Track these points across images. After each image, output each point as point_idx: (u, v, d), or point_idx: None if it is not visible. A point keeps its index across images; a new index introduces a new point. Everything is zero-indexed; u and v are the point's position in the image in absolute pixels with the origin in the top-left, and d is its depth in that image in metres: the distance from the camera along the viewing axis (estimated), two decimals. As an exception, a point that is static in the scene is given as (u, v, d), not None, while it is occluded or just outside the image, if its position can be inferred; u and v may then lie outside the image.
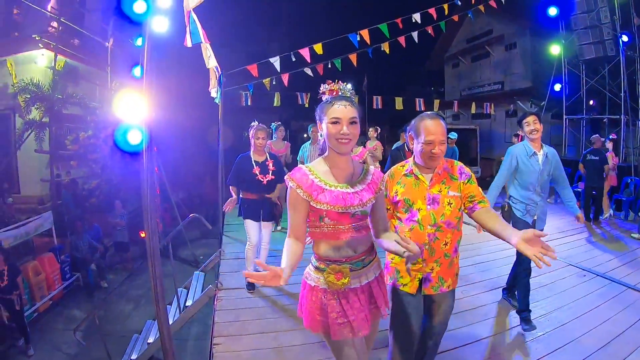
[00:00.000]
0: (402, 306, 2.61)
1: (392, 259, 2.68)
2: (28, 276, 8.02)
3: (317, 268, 2.10)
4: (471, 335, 3.76)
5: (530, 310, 3.96)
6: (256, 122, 4.85)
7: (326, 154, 2.11)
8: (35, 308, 8.01)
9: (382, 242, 2.21)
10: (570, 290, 4.84)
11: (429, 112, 2.59)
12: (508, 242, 2.19)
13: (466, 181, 2.55)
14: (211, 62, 5.06)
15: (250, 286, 4.85)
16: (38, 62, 11.56)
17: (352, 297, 2.07)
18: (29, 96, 10.79)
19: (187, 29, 4.14)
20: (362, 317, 2.07)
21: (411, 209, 2.54)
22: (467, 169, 2.61)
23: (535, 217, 4.11)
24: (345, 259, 2.07)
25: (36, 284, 8.17)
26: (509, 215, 4.18)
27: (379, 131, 8.29)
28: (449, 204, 2.51)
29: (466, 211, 2.57)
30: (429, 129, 2.45)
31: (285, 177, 2.06)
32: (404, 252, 1.96)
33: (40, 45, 11.41)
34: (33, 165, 11.74)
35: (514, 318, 4.13)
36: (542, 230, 3.85)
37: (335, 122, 1.98)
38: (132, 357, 5.32)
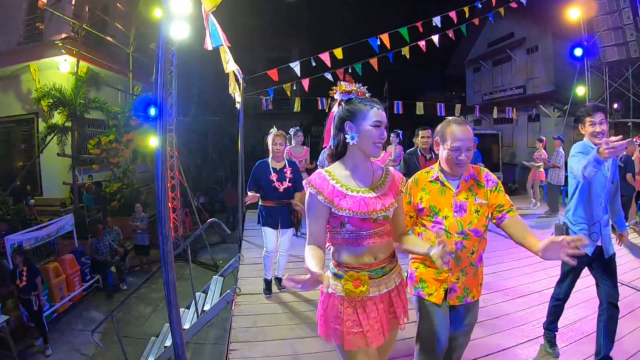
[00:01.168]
0: (429, 317, 2.52)
1: (416, 268, 2.59)
2: (48, 277, 8.18)
3: (335, 275, 2.02)
4: (493, 346, 3.66)
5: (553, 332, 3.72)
6: (275, 129, 4.82)
7: (346, 156, 2.03)
8: (54, 309, 8.14)
9: (404, 245, 2.16)
10: (594, 300, 4.64)
11: (455, 118, 2.51)
12: (535, 251, 2.07)
13: (493, 189, 2.46)
14: (230, 65, 5.05)
15: (268, 291, 4.84)
16: (61, 68, 11.83)
17: (370, 306, 1.98)
18: (51, 101, 11.04)
19: (207, 32, 4.12)
20: (377, 328, 1.98)
21: (437, 217, 2.46)
22: (493, 176, 2.52)
23: (600, 243, 3.37)
24: (365, 266, 1.99)
25: (56, 285, 8.30)
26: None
27: (400, 136, 8.20)
28: (477, 211, 2.43)
29: (494, 221, 2.46)
30: (456, 135, 2.38)
31: (304, 183, 2.00)
32: (433, 251, 1.92)
33: (63, 51, 11.66)
34: (55, 169, 11.99)
35: (537, 328, 4.01)
36: (612, 256, 3.49)
37: (378, 125, 1.93)
38: (149, 360, 5.36)
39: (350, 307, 1.96)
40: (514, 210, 2.40)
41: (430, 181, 2.52)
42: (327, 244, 2.09)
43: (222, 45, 4.52)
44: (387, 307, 2.06)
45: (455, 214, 2.42)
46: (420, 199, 2.51)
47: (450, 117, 2.53)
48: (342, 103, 2.01)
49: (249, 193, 4.82)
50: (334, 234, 2.01)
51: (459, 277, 2.47)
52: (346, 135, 1.97)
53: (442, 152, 2.46)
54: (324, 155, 7.35)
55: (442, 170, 2.52)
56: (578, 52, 13.23)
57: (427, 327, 2.54)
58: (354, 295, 1.92)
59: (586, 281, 5.18)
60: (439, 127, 2.52)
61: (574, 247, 1.83)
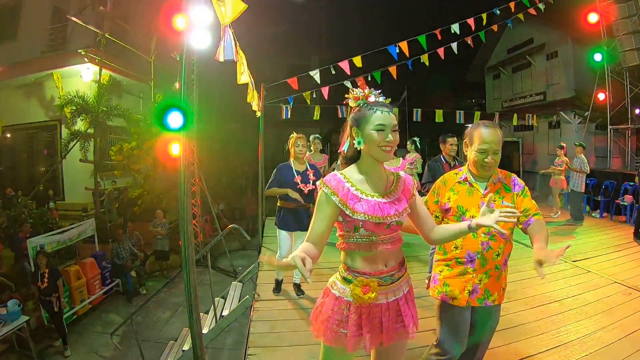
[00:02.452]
0: (451, 319, 2.56)
1: (440, 271, 2.61)
2: (69, 280, 8.34)
3: (344, 279, 2.00)
4: (512, 354, 3.64)
5: None
6: (295, 133, 4.89)
7: (360, 161, 2.04)
8: (74, 311, 8.31)
9: (439, 235, 2.15)
10: (615, 309, 4.63)
11: (485, 121, 2.56)
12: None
13: (520, 193, 2.51)
14: (243, 77, 5.11)
15: (277, 289, 5.06)
16: (83, 76, 12.10)
17: (376, 312, 1.98)
18: (74, 108, 11.28)
19: (222, 43, 4.18)
20: (377, 334, 1.98)
21: (464, 217, 2.48)
22: (520, 181, 2.57)
23: None
24: (375, 273, 1.98)
25: (77, 287, 8.47)
26: None
27: (417, 143, 8.19)
28: None
29: (520, 226, 2.47)
30: (484, 137, 2.43)
31: (318, 183, 2.00)
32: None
33: (85, 59, 11.92)
34: (77, 174, 12.23)
35: (556, 337, 3.97)
36: None
37: (381, 129, 1.91)
38: (168, 363, 5.42)
39: (356, 313, 1.96)
40: (540, 214, 2.45)
41: (459, 182, 2.57)
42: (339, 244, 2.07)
43: (232, 59, 4.58)
44: (395, 315, 2.03)
45: None
46: (448, 199, 2.56)
47: (481, 121, 2.57)
48: (353, 110, 2.02)
49: (270, 191, 4.83)
50: (346, 238, 2.00)
51: (482, 278, 2.49)
52: (354, 141, 1.99)
53: (470, 154, 2.51)
54: (338, 162, 7.41)
55: (470, 172, 2.56)
56: (598, 57, 13.10)
57: (448, 329, 2.57)
58: (362, 301, 1.92)
59: (606, 291, 5.17)
60: (469, 129, 2.58)
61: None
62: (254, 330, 4.16)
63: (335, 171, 2.06)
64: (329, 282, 2.09)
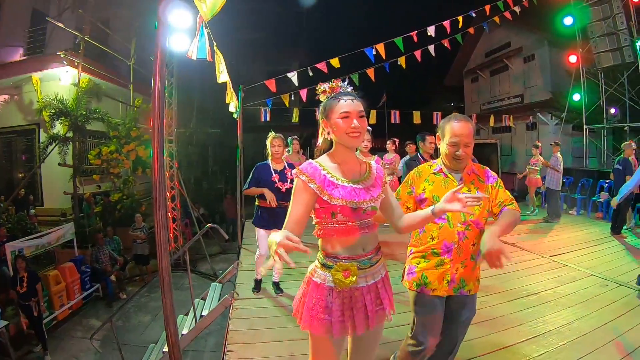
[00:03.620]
0: (427, 309, 2.60)
1: (417, 263, 2.64)
2: (48, 285, 8.21)
3: (324, 265, 2.03)
4: (490, 345, 3.68)
5: None
6: (273, 132, 4.90)
7: (332, 150, 2.08)
8: (54, 316, 8.17)
9: (406, 223, 2.21)
10: (592, 300, 4.72)
11: (457, 114, 2.60)
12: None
13: (495, 185, 2.56)
14: (223, 77, 5.11)
15: (257, 289, 5.02)
16: (62, 79, 11.93)
17: (358, 296, 2.03)
18: (53, 111, 11.13)
19: (196, 40, 4.17)
20: (362, 318, 2.02)
21: None
22: (493, 173, 2.63)
23: None
24: (354, 257, 2.02)
25: (56, 292, 8.33)
26: None
27: (397, 144, 8.26)
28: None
29: (495, 218, 2.51)
30: (455, 130, 2.47)
31: (295, 171, 2.02)
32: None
33: (64, 62, 11.76)
34: (56, 179, 12.05)
35: (534, 328, 4.04)
36: None
37: (346, 116, 1.96)
38: (148, 367, 5.36)
39: (339, 298, 1.99)
40: (514, 204, 2.51)
41: (434, 173, 2.61)
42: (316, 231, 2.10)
43: (204, 58, 4.56)
44: (374, 298, 2.08)
45: None
46: (423, 190, 2.58)
47: (453, 114, 2.61)
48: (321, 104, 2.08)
49: (248, 191, 4.85)
50: (324, 225, 2.02)
51: (458, 268, 2.52)
52: (324, 132, 2.07)
53: (443, 147, 2.55)
54: None
55: (444, 164, 2.60)
56: (573, 59, 13.37)
57: (423, 320, 2.62)
58: (343, 285, 1.95)
59: (582, 283, 5.27)
60: (441, 122, 2.62)
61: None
62: (233, 327, 4.14)
63: (309, 160, 2.10)
64: (308, 271, 2.11)
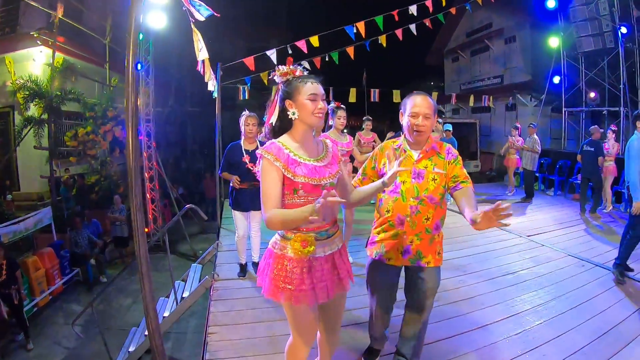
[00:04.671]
0: (376, 276, 2.79)
1: (377, 233, 2.78)
2: (28, 271, 8.06)
3: (283, 237, 2.17)
4: (466, 324, 3.75)
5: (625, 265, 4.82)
6: (247, 111, 4.87)
7: (293, 130, 2.19)
8: (34, 303, 8.03)
9: (357, 196, 2.36)
10: (568, 280, 4.83)
11: (418, 91, 2.69)
12: (468, 221, 2.26)
13: (452, 161, 2.62)
14: (202, 54, 5.01)
15: (242, 273, 4.99)
16: (36, 60, 11.59)
17: (316, 266, 2.15)
18: (27, 93, 10.83)
19: (189, 6, 4.05)
20: (322, 286, 2.15)
21: (395, 182, 2.60)
22: (455, 151, 2.69)
23: None
24: (312, 228, 2.14)
25: (36, 279, 8.19)
26: None
27: (371, 121, 8.13)
28: (434, 179, 2.59)
29: (449, 191, 2.62)
30: (415, 102, 2.57)
31: (260, 151, 2.09)
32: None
33: (38, 42, 11.43)
34: (32, 162, 11.77)
35: (511, 307, 4.12)
36: None
37: (313, 98, 2.09)
38: (130, 350, 5.34)
39: (298, 267, 2.11)
40: (469, 182, 2.58)
41: (395, 149, 2.66)
42: None
43: (212, 14, 4.45)
44: (331, 268, 2.23)
45: (413, 180, 2.60)
46: (384, 164, 2.67)
47: (414, 92, 2.70)
48: (282, 85, 2.17)
49: (224, 175, 4.88)
50: (287, 200, 2.12)
51: (413, 240, 2.63)
52: (288, 112, 2.13)
53: (404, 122, 2.63)
54: None
55: (406, 141, 2.70)
56: (554, 42, 13.47)
57: (372, 285, 2.85)
58: (302, 254, 2.08)
59: (559, 263, 5.38)
60: (403, 100, 2.69)
61: (503, 214, 1.97)
62: (214, 309, 4.15)
63: (271, 140, 2.19)
64: (269, 244, 2.25)
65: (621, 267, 4.84)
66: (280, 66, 2.18)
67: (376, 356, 3.14)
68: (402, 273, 2.83)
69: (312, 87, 2.09)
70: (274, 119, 2.20)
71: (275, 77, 2.18)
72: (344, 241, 2.38)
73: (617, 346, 3.37)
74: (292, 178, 2.05)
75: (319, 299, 2.13)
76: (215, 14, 4.45)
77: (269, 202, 2.03)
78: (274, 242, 2.22)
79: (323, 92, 2.14)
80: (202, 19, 4.24)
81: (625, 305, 4.18)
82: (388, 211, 2.69)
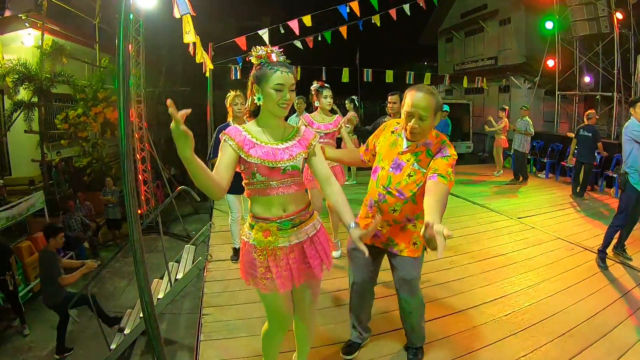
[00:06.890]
0: (354, 251, 2.74)
1: (361, 211, 2.80)
2: (22, 256, 8.05)
3: (250, 225, 2.19)
4: (457, 305, 3.80)
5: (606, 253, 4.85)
6: (232, 91, 4.75)
7: (259, 116, 2.16)
8: (29, 288, 8.01)
9: (333, 197, 2.23)
10: (558, 263, 4.88)
11: (421, 85, 2.48)
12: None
13: (441, 158, 2.41)
14: (189, 37, 4.96)
15: (235, 257, 4.95)
16: (25, 42, 11.40)
17: (281, 255, 2.14)
18: (16, 76, 10.63)
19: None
20: (287, 275, 2.15)
21: (377, 166, 2.61)
22: (450, 151, 2.45)
23: None
24: (274, 218, 2.13)
25: (30, 264, 8.17)
26: (624, 183, 4.76)
27: (355, 102, 8.06)
28: (409, 175, 2.48)
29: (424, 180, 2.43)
30: (412, 101, 2.37)
31: (220, 135, 2.09)
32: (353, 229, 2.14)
33: (26, 24, 11.20)
34: (23, 146, 11.63)
35: (501, 288, 4.18)
36: None
37: (280, 89, 2.03)
38: (125, 332, 5.37)
39: (262, 255, 2.13)
40: (446, 178, 2.31)
41: (392, 131, 2.63)
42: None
43: (188, 13, 4.44)
44: (300, 257, 2.21)
45: (391, 169, 2.53)
46: (378, 142, 2.68)
47: (420, 84, 2.53)
48: (255, 68, 2.11)
49: (213, 160, 4.80)
50: (248, 185, 2.15)
51: (383, 225, 2.61)
52: (254, 97, 2.11)
53: (402, 114, 2.50)
54: (290, 122, 7.35)
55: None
56: (549, 25, 13.41)
57: (350, 259, 2.86)
58: (263, 244, 2.11)
59: (549, 246, 5.44)
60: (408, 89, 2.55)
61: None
62: (208, 290, 4.18)
63: (235, 125, 2.20)
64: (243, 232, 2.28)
65: (603, 254, 4.86)
66: (256, 47, 2.11)
67: (355, 350, 3.06)
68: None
69: (280, 76, 2.02)
70: (249, 102, 2.19)
71: (251, 59, 2.11)
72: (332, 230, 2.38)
73: (606, 328, 3.42)
74: (246, 158, 2.04)
75: (283, 287, 2.13)
76: (192, 12, 4.39)
77: (216, 168, 2.04)
78: (244, 229, 2.25)
79: (292, 82, 2.07)
80: (178, 16, 4.21)
81: (614, 289, 4.24)
82: (367, 193, 2.71)
